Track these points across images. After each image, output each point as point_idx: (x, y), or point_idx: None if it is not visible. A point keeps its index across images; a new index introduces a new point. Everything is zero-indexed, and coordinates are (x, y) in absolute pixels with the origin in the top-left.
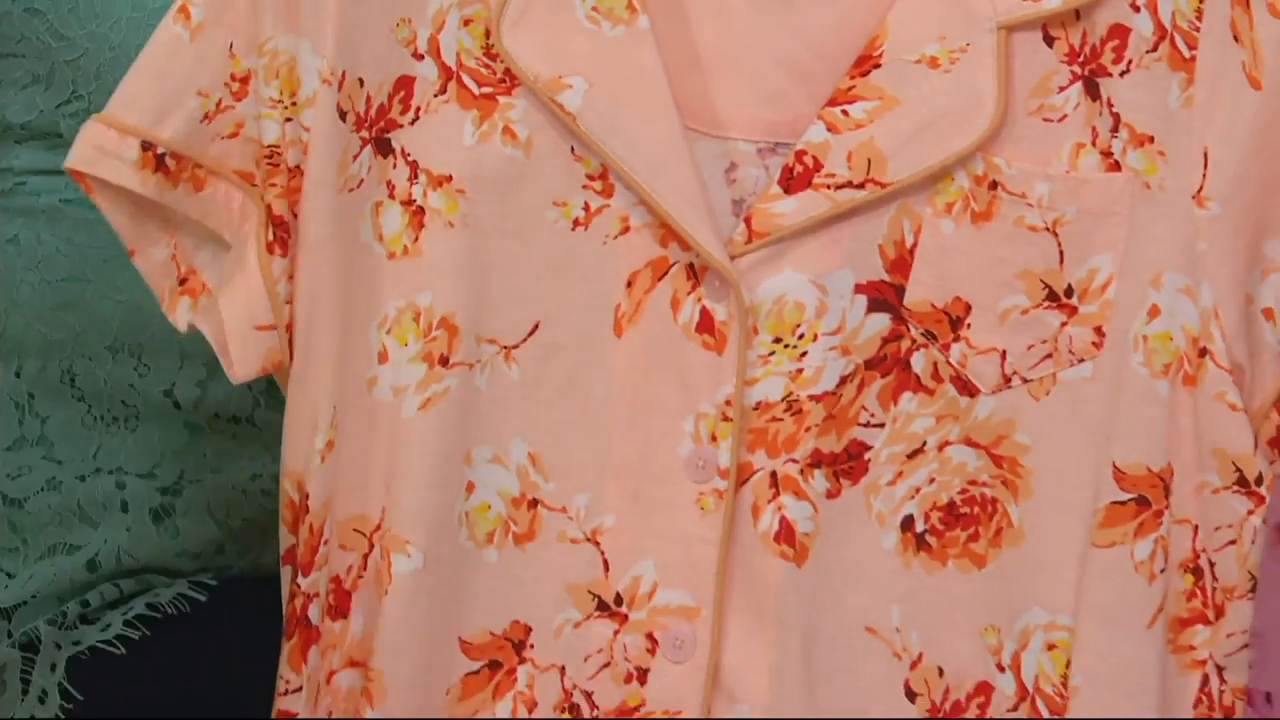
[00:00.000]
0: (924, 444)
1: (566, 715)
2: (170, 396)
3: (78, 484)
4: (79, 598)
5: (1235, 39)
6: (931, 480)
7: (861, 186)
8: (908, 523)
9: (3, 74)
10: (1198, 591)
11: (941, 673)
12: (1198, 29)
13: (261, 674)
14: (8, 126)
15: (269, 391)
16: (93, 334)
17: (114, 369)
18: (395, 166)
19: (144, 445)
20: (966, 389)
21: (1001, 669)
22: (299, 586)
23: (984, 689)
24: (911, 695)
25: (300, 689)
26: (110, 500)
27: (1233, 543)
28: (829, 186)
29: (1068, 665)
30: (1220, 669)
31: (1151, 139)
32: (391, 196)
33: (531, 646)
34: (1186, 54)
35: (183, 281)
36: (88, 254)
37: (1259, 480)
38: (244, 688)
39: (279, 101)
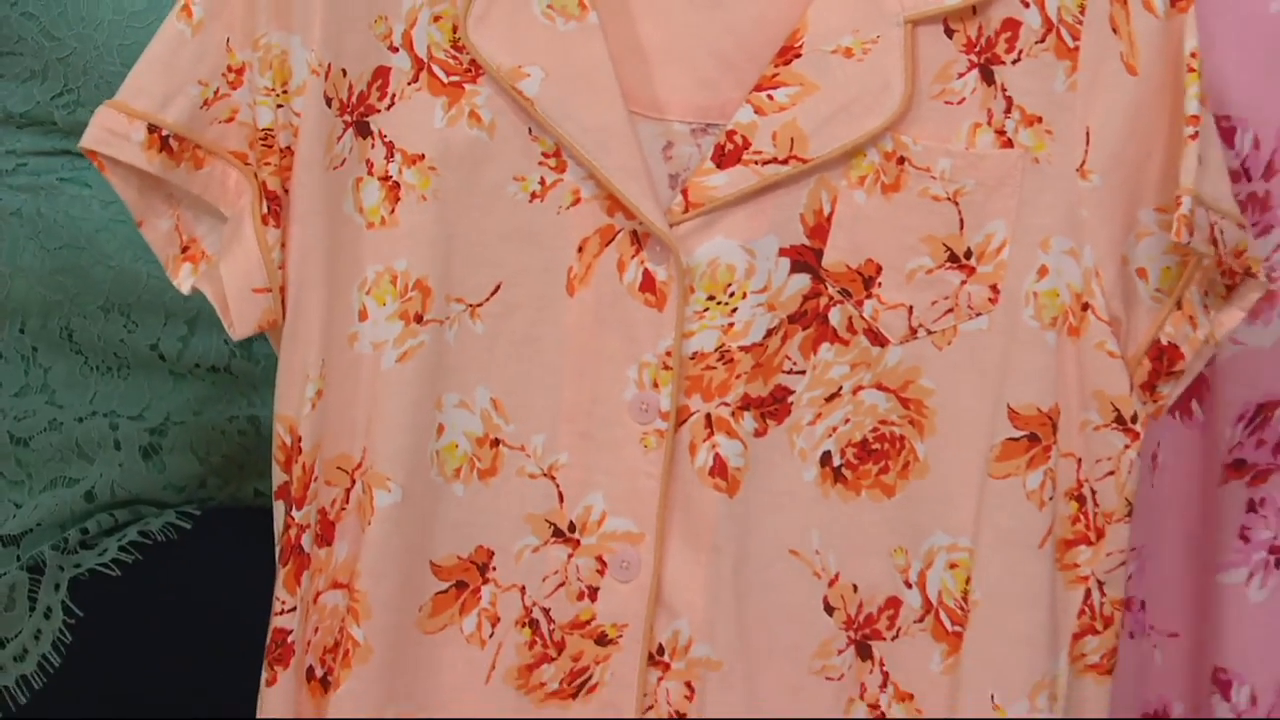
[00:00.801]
0: (840, 389)
1: (526, 629)
2: (156, 349)
3: (76, 425)
4: (79, 526)
5: (1114, 31)
6: (847, 420)
7: (785, 162)
8: (826, 458)
9: (3, 69)
10: (1081, 516)
11: (856, 589)
12: (1081, 22)
13: (241, 593)
14: (9, 115)
15: (243, 345)
16: (87, 295)
17: (106, 326)
18: (374, 147)
19: (134, 391)
20: (878, 340)
21: (909, 585)
22: (293, 519)
23: (893, 603)
24: (829, 609)
25: (294, 609)
26: (105, 439)
27: (1111, 473)
28: (756, 162)
29: (968, 582)
30: (1101, 584)
31: (1040, 119)
32: (370, 173)
33: (494, 569)
34: (1071, 44)
35: (184, 249)
36: (82, 226)
37: (1134, 419)
38: (225, 605)
39: (272, 90)
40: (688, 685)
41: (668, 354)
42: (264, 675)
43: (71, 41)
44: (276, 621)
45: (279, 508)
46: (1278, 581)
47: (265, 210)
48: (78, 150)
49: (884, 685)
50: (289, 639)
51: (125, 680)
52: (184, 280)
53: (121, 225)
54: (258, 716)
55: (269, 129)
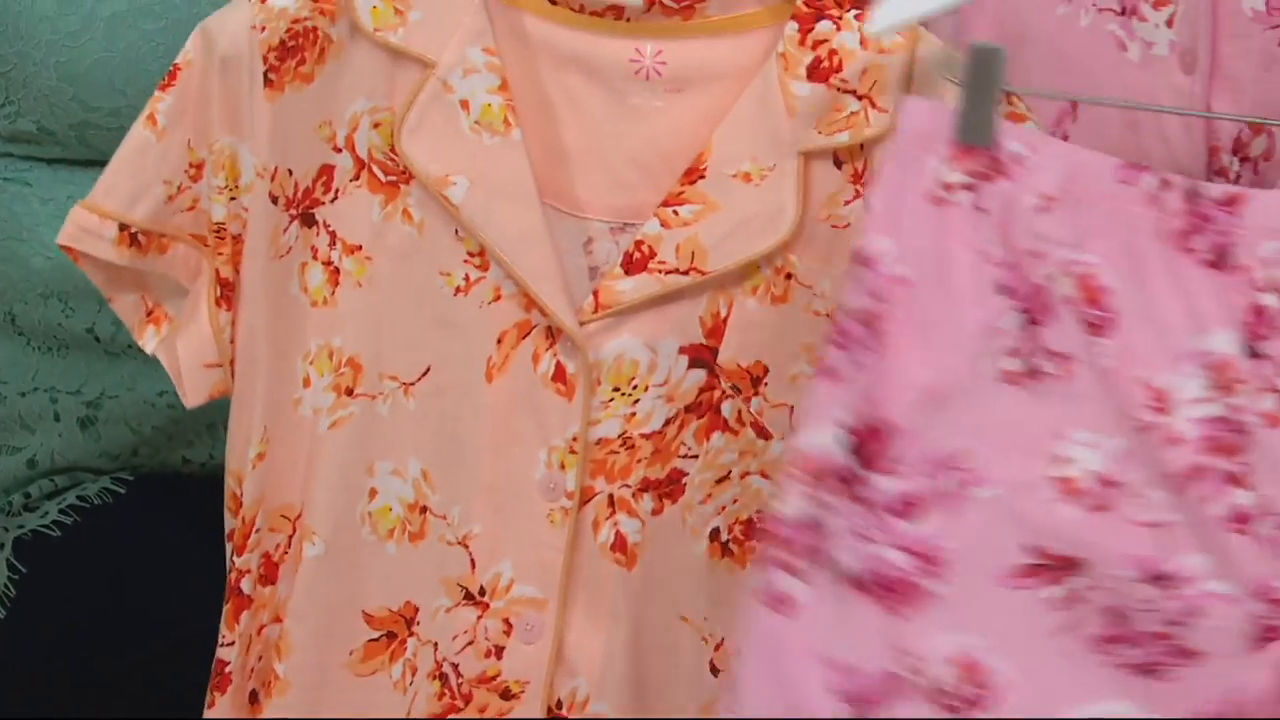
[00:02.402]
0: (729, 473)
1: (436, 681)
2: (92, 332)
3: (19, 399)
4: (22, 490)
5: None
6: (735, 501)
7: (686, 273)
8: (715, 534)
9: None
10: None
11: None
12: None
13: (168, 550)
14: None
15: None
16: (28, 283)
17: (46, 311)
18: (318, 235)
19: (72, 369)
20: (763, 433)
21: None
22: (234, 563)
23: None
24: (715, 671)
25: (233, 644)
26: (45, 412)
27: None
28: (660, 271)
29: None
30: None
31: None
32: (315, 258)
33: (418, 624)
34: None
35: (149, 313)
36: (23, 220)
37: None
38: (154, 561)
39: (224, 188)
40: None
41: (575, 439)
42: (206, 699)
43: (12, 58)
44: (218, 653)
45: (229, 549)
46: None
47: (218, 294)
48: (20, 154)
49: None
50: (227, 669)
51: (63, 629)
52: (149, 341)
53: (59, 220)
54: None
55: (222, 222)
